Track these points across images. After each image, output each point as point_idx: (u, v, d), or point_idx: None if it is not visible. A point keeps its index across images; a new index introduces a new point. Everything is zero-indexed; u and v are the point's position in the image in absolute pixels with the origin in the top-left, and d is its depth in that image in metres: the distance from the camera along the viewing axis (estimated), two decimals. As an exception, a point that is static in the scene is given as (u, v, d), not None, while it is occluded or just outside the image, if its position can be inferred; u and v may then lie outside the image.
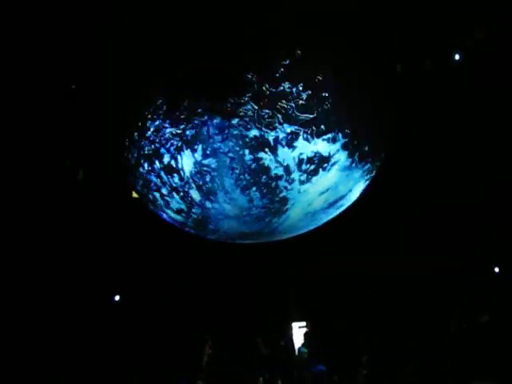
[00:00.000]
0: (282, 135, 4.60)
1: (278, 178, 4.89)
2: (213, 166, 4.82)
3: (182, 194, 5.25)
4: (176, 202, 5.43)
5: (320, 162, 4.90)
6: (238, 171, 4.83)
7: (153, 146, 4.85)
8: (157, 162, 4.99)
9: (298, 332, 10.13)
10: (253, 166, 4.74)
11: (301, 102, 4.53)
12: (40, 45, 5.42)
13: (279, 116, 4.50)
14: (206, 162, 4.78)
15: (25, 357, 7.41)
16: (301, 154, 4.76)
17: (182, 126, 4.56)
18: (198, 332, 8.76)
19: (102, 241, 8.70)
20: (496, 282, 8.91)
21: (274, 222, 5.55)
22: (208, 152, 4.70)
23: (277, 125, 4.54)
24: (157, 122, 4.64)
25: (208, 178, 4.94)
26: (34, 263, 7.98)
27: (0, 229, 7.61)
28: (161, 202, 5.65)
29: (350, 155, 5.05)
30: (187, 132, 4.60)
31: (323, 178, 5.08)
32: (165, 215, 6.03)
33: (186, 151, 4.75)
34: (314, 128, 4.66)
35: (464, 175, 8.35)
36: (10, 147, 7.07)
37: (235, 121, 4.48)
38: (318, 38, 4.55)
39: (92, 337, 8.22)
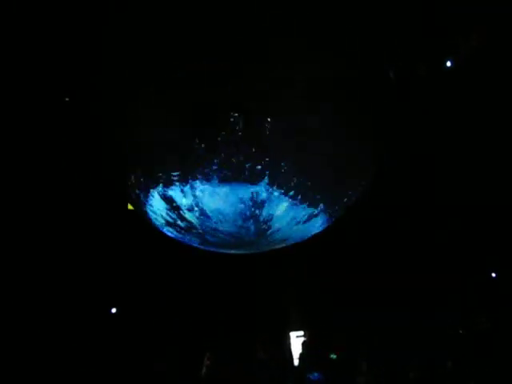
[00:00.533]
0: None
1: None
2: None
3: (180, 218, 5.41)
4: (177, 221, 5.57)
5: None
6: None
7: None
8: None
9: (296, 341, 10.12)
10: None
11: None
12: (37, 46, 5.45)
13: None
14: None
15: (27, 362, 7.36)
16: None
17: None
18: (196, 339, 8.73)
19: (99, 251, 8.68)
20: (494, 287, 8.93)
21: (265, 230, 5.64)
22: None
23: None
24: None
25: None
26: (35, 271, 7.95)
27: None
28: (161, 221, 5.76)
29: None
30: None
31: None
32: (164, 230, 6.10)
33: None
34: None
35: (460, 179, 8.41)
36: (6, 157, 7.06)
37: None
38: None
39: (93, 345, 8.17)
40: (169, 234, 6.20)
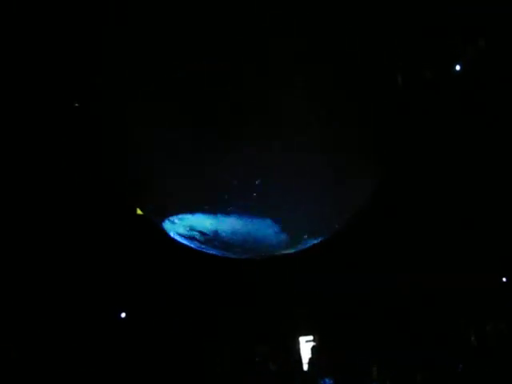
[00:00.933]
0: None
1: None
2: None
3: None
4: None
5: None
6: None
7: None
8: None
9: (306, 346, 10.05)
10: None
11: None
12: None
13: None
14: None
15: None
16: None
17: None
18: (203, 345, 8.71)
19: (108, 256, 8.71)
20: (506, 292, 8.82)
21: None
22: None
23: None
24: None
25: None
26: (40, 273, 7.99)
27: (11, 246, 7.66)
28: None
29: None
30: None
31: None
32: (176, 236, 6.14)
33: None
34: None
35: (467, 183, 8.34)
36: (11, 162, 7.11)
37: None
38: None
39: (97, 346, 8.18)
40: (178, 238, 6.22)
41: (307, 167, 4.75)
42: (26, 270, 7.80)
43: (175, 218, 5.54)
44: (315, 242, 6.30)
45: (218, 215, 5.13)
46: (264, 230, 5.29)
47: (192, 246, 6.19)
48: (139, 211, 8.15)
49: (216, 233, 5.42)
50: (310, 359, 9.37)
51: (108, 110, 4.84)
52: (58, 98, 6.41)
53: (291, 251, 6.40)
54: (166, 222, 5.72)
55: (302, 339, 10.16)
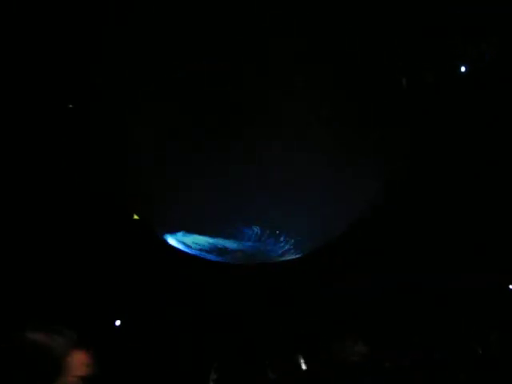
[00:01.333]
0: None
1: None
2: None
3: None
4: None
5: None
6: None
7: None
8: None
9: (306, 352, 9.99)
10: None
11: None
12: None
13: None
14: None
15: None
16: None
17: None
18: (203, 354, 8.65)
19: (104, 260, 8.67)
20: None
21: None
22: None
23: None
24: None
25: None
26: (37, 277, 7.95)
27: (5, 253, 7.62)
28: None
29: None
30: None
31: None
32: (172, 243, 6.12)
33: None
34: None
35: (469, 185, 8.31)
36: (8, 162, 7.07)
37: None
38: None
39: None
40: (175, 245, 6.20)
41: (307, 167, 4.75)
42: (20, 273, 7.76)
43: (174, 223, 5.52)
44: (315, 245, 6.28)
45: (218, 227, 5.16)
46: (265, 235, 5.29)
47: (190, 252, 6.18)
48: (136, 216, 8.13)
49: (216, 241, 5.42)
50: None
51: (108, 110, 4.84)
52: (56, 99, 6.39)
53: (293, 257, 6.38)
54: (164, 226, 5.71)
55: (302, 343, 10.11)
